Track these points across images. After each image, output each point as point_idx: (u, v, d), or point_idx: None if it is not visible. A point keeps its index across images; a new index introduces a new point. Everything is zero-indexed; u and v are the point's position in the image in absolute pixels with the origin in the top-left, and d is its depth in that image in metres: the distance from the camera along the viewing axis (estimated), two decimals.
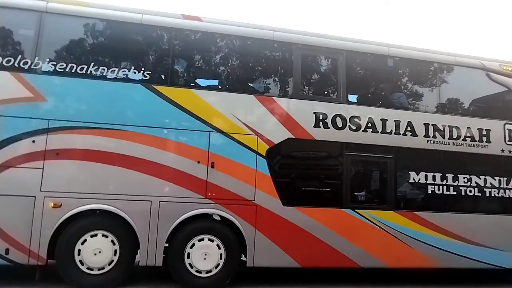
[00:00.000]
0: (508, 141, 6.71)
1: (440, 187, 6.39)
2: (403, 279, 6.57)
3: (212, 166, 5.58)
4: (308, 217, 5.77)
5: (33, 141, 5.15)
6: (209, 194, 5.52)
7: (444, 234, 6.24)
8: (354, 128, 6.16)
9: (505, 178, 6.66)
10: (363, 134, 6.18)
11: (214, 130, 5.68)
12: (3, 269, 5.14)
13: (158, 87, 5.60)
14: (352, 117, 6.17)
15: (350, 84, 6.46)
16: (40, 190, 5.08)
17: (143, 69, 5.68)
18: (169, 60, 5.89)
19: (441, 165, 6.46)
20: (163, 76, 5.84)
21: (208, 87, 6.08)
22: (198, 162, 5.56)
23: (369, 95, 6.89)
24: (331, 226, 5.84)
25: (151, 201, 5.33)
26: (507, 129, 6.74)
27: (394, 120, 6.32)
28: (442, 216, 6.31)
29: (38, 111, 5.24)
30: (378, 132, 6.24)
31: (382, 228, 6.02)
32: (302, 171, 6.12)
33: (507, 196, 6.64)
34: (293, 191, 5.90)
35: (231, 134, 5.73)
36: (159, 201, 5.35)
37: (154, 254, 5.26)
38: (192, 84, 6.00)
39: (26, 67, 5.32)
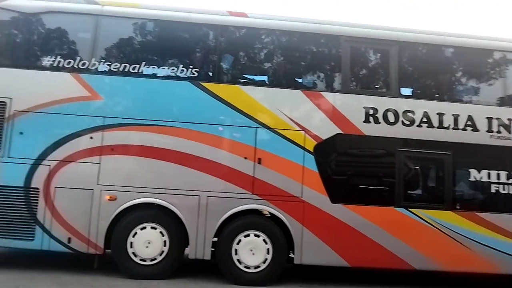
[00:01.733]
0: None
1: (506, 186, 5.88)
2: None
3: (259, 162, 5.58)
4: (357, 215, 5.57)
5: (91, 138, 5.46)
6: (256, 190, 5.52)
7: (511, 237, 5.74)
8: (408, 123, 5.83)
9: None
10: (418, 130, 5.84)
11: (261, 126, 5.67)
12: (65, 256, 5.49)
13: (206, 84, 5.69)
14: (405, 111, 5.85)
15: (403, 77, 6.16)
16: (97, 184, 5.38)
17: (191, 66, 5.80)
18: (216, 57, 5.97)
19: (506, 162, 5.95)
20: (210, 73, 5.93)
21: (255, 83, 6.06)
22: (245, 158, 5.58)
23: (424, 88, 6.49)
24: (382, 225, 5.59)
25: (199, 196, 5.44)
26: None
27: (453, 114, 5.91)
28: (509, 217, 5.80)
29: (95, 109, 5.56)
30: (434, 127, 5.86)
31: (439, 229, 5.65)
32: (352, 167, 5.92)
33: None
34: (342, 188, 5.72)
35: (278, 130, 5.69)
36: (207, 196, 5.45)
37: (203, 248, 5.37)
38: (238, 80, 6.03)
39: (84, 67, 5.65)
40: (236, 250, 5.41)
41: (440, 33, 6.31)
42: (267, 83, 6.14)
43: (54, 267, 5.47)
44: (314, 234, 5.49)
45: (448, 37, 6.26)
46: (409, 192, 5.85)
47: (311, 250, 5.47)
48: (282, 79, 6.16)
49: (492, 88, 6.33)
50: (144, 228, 5.38)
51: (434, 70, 6.45)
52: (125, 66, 5.70)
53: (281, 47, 6.21)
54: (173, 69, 5.83)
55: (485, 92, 6.33)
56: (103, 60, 5.75)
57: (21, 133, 5.43)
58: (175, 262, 5.44)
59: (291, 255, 5.52)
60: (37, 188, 5.34)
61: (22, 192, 5.34)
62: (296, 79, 6.27)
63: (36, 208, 5.32)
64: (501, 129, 5.93)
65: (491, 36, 6.47)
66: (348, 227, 5.54)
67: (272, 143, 5.67)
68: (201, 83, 5.71)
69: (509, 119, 5.95)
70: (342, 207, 5.58)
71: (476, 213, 5.76)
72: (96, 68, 5.68)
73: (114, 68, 5.71)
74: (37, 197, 5.33)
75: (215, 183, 5.51)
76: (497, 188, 5.85)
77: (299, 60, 6.31)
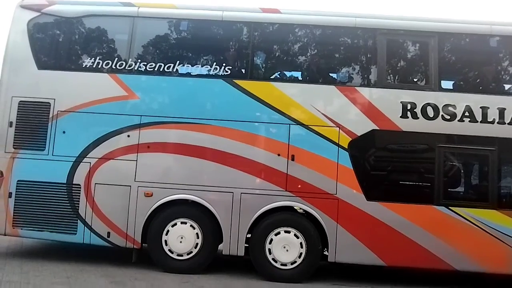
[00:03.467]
0: None
1: None
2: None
3: (292, 159, 5.54)
4: (394, 214, 5.40)
5: (128, 136, 5.64)
6: (290, 186, 5.49)
7: None
8: (448, 117, 5.57)
9: None
10: (459, 124, 5.56)
11: (294, 123, 5.63)
12: (105, 250, 5.72)
13: (239, 81, 5.72)
14: (446, 105, 5.59)
15: (444, 69, 5.89)
16: (135, 180, 5.55)
17: (224, 64, 5.84)
18: (249, 54, 5.98)
19: None
20: (243, 70, 5.95)
21: (288, 79, 6.02)
22: (279, 155, 5.56)
23: (466, 81, 6.18)
24: (420, 224, 5.38)
25: (233, 192, 5.48)
26: None
27: (497, 108, 5.58)
28: None
29: (132, 108, 5.73)
30: (477, 121, 5.56)
31: (482, 228, 5.37)
32: (388, 164, 5.75)
33: None
34: (378, 185, 5.60)
35: (311, 126, 5.62)
36: (241, 193, 5.48)
37: (236, 244, 5.41)
38: (271, 77, 6.01)
39: (121, 68, 5.83)
40: (270, 245, 5.40)
41: (487, 22, 5.96)
42: (301, 79, 6.09)
43: (101, 260, 5.69)
44: (349, 232, 5.39)
45: (495, 26, 5.90)
46: (449, 189, 5.62)
47: (345, 248, 5.38)
48: (316, 74, 6.07)
49: None
50: (179, 223, 5.48)
51: (476, 61, 6.14)
52: (160, 65, 5.82)
53: (314, 42, 6.13)
54: (207, 67, 5.90)
55: None
56: (139, 60, 5.91)
57: (64, 132, 5.68)
58: (209, 257, 5.52)
59: (326, 253, 5.46)
60: (78, 185, 5.59)
61: (65, 188, 5.60)
62: (330, 74, 6.18)
63: (78, 204, 5.57)
64: None
65: None
66: (384, 225, 5.39)
67: (306, 140, 5.61)
68: (234, 80, 5.73)
69: None
70: (378, 205, 5.43)
71: None
72: (133, 68, 5.84)
73: (149, 68, 5.84)
74: (79, 193, 5.58)
75: (249, 180, 5.53)
76: None
77: (333, 55, 6.22)
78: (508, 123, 5.54)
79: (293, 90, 5.79)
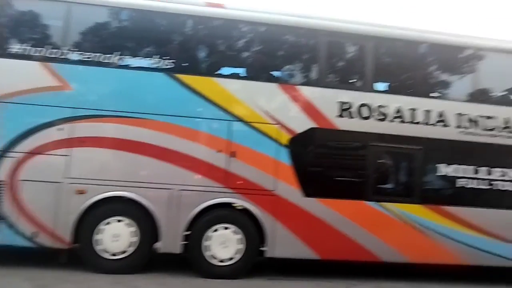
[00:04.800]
0: None
1: (473, 180, 6.07)
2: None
3: (233, 156, 5.57)
4: (329, 209, 5.65)
5: (60, 129, 5.32)
6: (230, 183, 5.52)
7: (475, 230, 5.93)
8: (381, 118, 5.93)
9: None
10: (391, 124, 5.93)
11: (235, 119, 5.65)
12: (31, 252, 5.37)
13: (180, 76, 5.61)
14: (379, 106, 5.93)
15: (378, 72, 6.20)
16: (66, 177, 5.26)
17: (166, 57, 5.69)
18: (192, 48, 5.90)
19: (474, 157, 6.12)
20: (185, 65, 5.84)
21: (231, 76, 6.01)
22: (219, 151, 5.56)
23: (398, 84, 6.56)
24: (353, 219, 5.69)
25: (171, 189, 5.39)
26: None
27: (425, 110, 6.02)
28: (474, 211, 5.98)
29: (65, 100, 5.39)
30: (406, 122, 5.97)
31: (408, 222, 5.80)
32: (325, 162, 5.94)
33: None
34: (314, 182, 5.76)
35: (252, 123, 5.67)
36: (179, 190, 5.41)
37: (174, 241, 5.34)
38: (214, 73, 5.96)
39: (54, 56, 5.46)
40: (208, 242, 5.40)
41: (415, 30, 6.36)
42: (243, 75, 6.08)
43: (25, 263, 5.33)
44: (286, 228, 5.54)
45: (422, 34, 6.33)
46: (380, 186, 5.96)
47: (283, 243, 5.52)
48: (258, 72, 6.12)
49: (462, 84, 6.48)
50: (114, 222, 5.28)
51: (407, 65, 6.54)
52: (98, 55, 5.54)
53: (258, 39, 6.14)
54: (147, 60, 5.70)
55: (456, 89, 6.47)
56: (75, 49, 5.58)
57: None
58: (145, 256, 5.38)
59: (263, 248, 5.55)
60: (2, 181, 5.20)
61: None
62: (272, 72, 6.26)
63: (1, 202, 5.18)
64: (470, 124, 6.08)
65: (463, 33, 6.56)
66: (319, 220, 5.61)
67: (247, 136, 5.65)
68: (176, 74, 5.62)
69: (477, 115, 6.10)
70: (314, 201, 5.64)
71: (443, 206, 5.93)
72: (67, 57, 5.50)
73: (86, 58, 5.54)
74: (2, 189, 5.18)
75: (188, 176, 5.47)
76: (464, 183, 6.04)
77: (276, 53, 6.27)
78: (433, 124, 6.00)
79: (236, 87, 5.79)
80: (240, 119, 5.65)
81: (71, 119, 5.35)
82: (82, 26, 5.72)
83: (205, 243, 5.41)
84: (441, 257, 5.94)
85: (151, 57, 5.72)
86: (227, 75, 5.98)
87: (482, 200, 6.07)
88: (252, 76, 6.01)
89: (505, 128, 6.14)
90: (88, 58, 5.52)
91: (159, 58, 5.66)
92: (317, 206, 5.63)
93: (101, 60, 5.53)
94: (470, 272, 6.32)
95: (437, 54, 6.49)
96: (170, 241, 5.35)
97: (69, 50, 5.52)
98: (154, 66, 5.65)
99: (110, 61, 5.55)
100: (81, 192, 5.23)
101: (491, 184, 6.11)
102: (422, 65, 6.54)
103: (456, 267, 6.10)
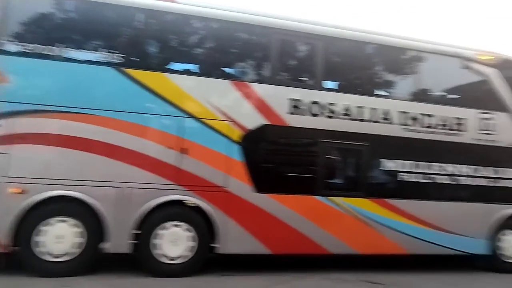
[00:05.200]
0: (482, 129, 6.76)
1: (413, 175, 6.45)
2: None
3: (184, 152, 5.50)
4: (280, 204, 5.76)
5: None
6: (181, 180, 5.45)
7: (415, 221, 6.32)
8: (330, 115, 6.12)
9: (476, 167, 6.75)
10: (339, 122, 6.15)
11: (187, 116, 5.58)
12: None
13: (130, 71, 5.44)
14: (329, 104, 6.12)
15: (328, 71, 6.39)
16: (3, 175, 4.93)
17: (114, 51, 5.49)
18: (143, 42, 5.75)
19: (415, 153, 6.49)
20: (135, 59, 5.67)
21: (182, 72, 5.90)
22: (170, 148, 5.47)
23: (347, 82, 6.81)
24: (303, 213, 5.84)
25: (119, 187, 5.23)
26: (482, 118, 6.79)
27: (371, 108, 6.30)
28: (414, 203, 6.37)
29: (3, 94, 5.05)
30: (354, 119, 6.21)
31: (354, 215, 6.06)
32: (276, 158, 6.04)
33: (477, 184, 6.75)
34: (266, 178, 5.83)
35: (204, 120, 5.64)
36: (128, 187, 5.25)
37: (122, 241, 5.18)
38: (165, 68, 5.84)
39: None
40: (158, 240, 5.30)
41: (364, 31, 6.63)
42: (195, 71, 6.02)
43: None
44: (238, 224, 5.58)
45: (371, 35, 6.60)
46: (329, 181, 6.17)
47: (234, 239, 5.55)
48: (211, 68, 6.08)
49: (406, 84, 6.86)
50: (57, 222, 5.01)
51: (355, 65, 6.79)
52: (41, 47, 5.23)
53: (211, 35, 6.10)
54: (95, 53, 5.48)
55: (399, 88, 6.85)
56: (14, 40, 5.23)
57: None
58: (92, 257, 5.17)
59: (215, 245, 5.54)
60: None
61: None
62: (224, 68, 6.25)
63: None
64: (412, 122, 6.45)
65: (409, 36, 6.91)
66: (271, 216, 5.70)
67: (198, 133, 5.61)
68: (125, 69, 5.44)
69: (418, 113, 6.48)
70: (266, 197, 5.72)
71: (387, 199, 6.25)
72: (4, 49, 5.15)
73: (27, 49, 5.21)
74: None
75: (138, 174, 5.32)
76: (406, 177, 6.40)
77: (229, 50, 6.26)
78: (379, 122, 6.29)
79: (187, 83, 5.72)
80: (191, 116, 5.60)
81: (9, 114, 5.02)
82: (22, 16, 5.37)
83: (155, 241, 5.31)
84: (386, 248, 6.26)
85: (99, 50, 5.51)
86: (179, 71, 5.89)
87: (422, 193, 6.48)
88: (204, 72, 5.97)
89: (442, 125, 6.57)
90: (29, 49, 5.20)
91: (108, 52, 5.46)
92: (268, 202, 5.72)
93: (43, 52, 5.23)
94: (413, 260, 6.74)
95: (383, 54, 6.81)
96: (119, 241, 5.18)
97: (7, 40, 5.17)
98: (102, 60, 5.44)
99: (54, 53, 5.27)
100: (20, 192, 4.93)
101: (430, 178, 6.54)
102: (369, 65, 6.83)
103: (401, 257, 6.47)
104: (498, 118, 6.86)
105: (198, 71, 6.01)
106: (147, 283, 5.06)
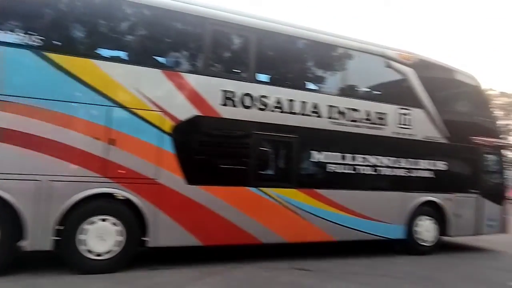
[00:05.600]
0: (401, 124, 7.33)
1: (339, 166, 6.81)
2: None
3: (112, 143, 5.26)
4: (212, 196, 5.76)
5: None
6: (108, 172, 5.22)
7: (341, 210, 6.70)
8: (262, 107, 6.22)
9: (396, 158, 7.31)
10: (271, 114, 6.28)
11: (115, 105, 5.33)
12: None
13: (52, 55, 5.06)
14: (261, 96, 6.22)
15: (260, 63, 6.48)
16: None
17: (33, 32, 5.05)
18: (67, 25, 5.37)
19: (341, 145, 6.86)
20: (58, 43, 5.28)
21: (111, 59, 5.60)
22: (96, 138, 5.20)
23: (279, 76, 6.97)
24: (235, 204, 5.91)
25: (39, 180, 4.87)
26: (401, 113, 7.35)
27: (301, 101, 6.51)
28: (340, 193, 6.75)
29: None
30: (285, 112, 6.38)
31: (284, 205, 6.26)
32: (208, 149, 6.01)
33: (396, 174, 7.32)
34: (198, 170, 5.80)
35: (134, 110, 5.43)
36: (49, 181, 4.91)
37: (44, 238, 4.84)
38: (92, 54, 5.52)
39: None
40: (83, 235, 5.04)
41: (296, 26, 6.81)
42: (126, 59, 5.75)
43: None
44: (169, 216, 5.49)
45: (302, 30, 6.80)
46: (260, 172, 6.29)
47: (165, 232, 5.46)
48: (142, 56, 5.87)
49: (334, 79, 7.20)
50: None
51: (287, 59, 6.98)
52: None
53: (142, 22, 5.86)
54: (11, 34, 5.00)
55: (328, 83, 7.17)
56: None
57: None
58: (7, 257, 4.77)
59: (145, 238, 5.40)
60: None
61: None
62: (156, 57, 6.07)
63: None
64: (339, 116, 6.79)
65: (339, 34, 7.23)
66: (203, 207, 5.69)
67: (127, 123, 5.39)
68: (45, 53, 5.04)
69: (345, 107, 6.84)
70: (197, 189, 5.69)
71: (315, 190, 6.54)
72: None
73: None
74: None
75: (60, 166, 4.99)
76: (333, 168, 6.74)
77: (161, 38, 6.08)
78: (308, 115, 6.53)
79: (116, 71, 5.45)
80: (120, 105, 5.36)
81: None
82: None
83: (80, 237, 5.04)
84: (314, 236, 6.57)
85: (15, 31, 5.04)
86: (108, 57, 5.60)
87: (348, 183, 6.87)
88: (135, 60, 5.73)
89: (366, 119, 7.01)
90: None
91: (25, 33, 5.02)
92: (200, 194, 5.70)
93: None
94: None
95: (313, 50, 7.07)
96: (39, 238, 4.83)
97: None
98: (19, 41, 4.98)
99: None
100: None
101: (355, 169, 6.95)
102: (300, 60, 7.05)
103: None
104: (415, 114, 7.49)
105: (129, 59, 5.76)
106: (72, 281, 4.79)
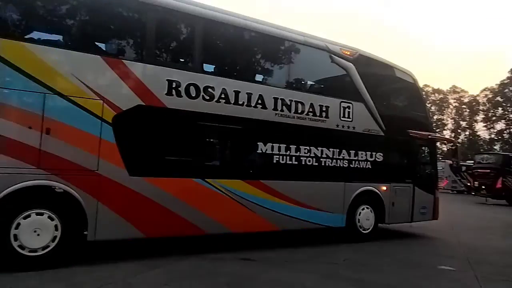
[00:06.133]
0: (342, 117, 7.63)
1: (284, 157, 6.94)
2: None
3: (47, 133, 4.97)
4: (156, 187, 5.64)
5: None
6: (43, 164, 4.92)
7: (285, 200, 6.85)
8: (208, 98, 6.17)
9: (338, 150, 7.60)
10: (217, 105, 6.25)
11: (51, 92, 5.03)
12: None
13: None
14: (206, 87, 6.16)
15: (207, 54, 6.43)
16: None
17: None
18: None
19: (286, 137, 6.99)
20: None
21: (47, 43, 5.25)
22: (30, 127, 4.88)
23: (225, 66, 6.96)
24: (179, 196, 5.83)
25: None
26: (342, 106, 7.65)
27: (247, 93, 6.54)
28: (285, 184, 6.90)
29: None
30: (230, 103, 6.38)
31: (230, 196, 6.27)
32: (152, 140, 5.82)
33: (337, 165, 7.61)
34: (141, 161, 5.65)
35: (72, 98, 5.16)
36: None
37: None
38: (25, 37, 5.15)
39: None
40: (16, 231, 4.72)
41: (243, 17, 6.80)
42: (62, 44, 5.44)
43: None
44: (110, 209, 5.30)
45: (249, 22, 6.81)
46: (206, 163, 6.27)
47: (106, 225, 5.27)
48: (81, 41, 5.59)
49: (280, 72, 7.32)
50: None
51: (234, 50, 6.98)
52: None
53: (82, 5, 5.58)
54: None
55: (274, 76, 7.28)
56: None
57: None
58: None
59: (85, 232, 5.18)
60: None
61: None
62: (97, 43, 5.80)
63: None
64: (284, 108, 6.92)
65: (285, 27, 7.32)
66: (146, 199, 5.56)
67: (65, 112, 5.11)
68: None
69: (290, 100, 6.98)
70: (141, 180, 5.55)
71: (260, 180, 6.64)
72: None
73: None
74: None
75: None
76: (277, 159, 6.87)
77: (102, 24, 5.83)
78: (254, 106, 6.59)
79: (52, 56, 5.14)
80: (57, 93, 5.07)
81: None
82: None
83: (12, 232, 4.71)
84: (260, 226, 6.67)
85: None
86: (43, 41, 5.23)
87: (292, 174, 7.03)
88: (74, 46, 5.45)
89: (310, 112, 7.21)
90: None
91: None
92: (143, 185, 5.56)
93: None
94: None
95: (260, 42, 7.12)
96: None
97: None
98: None
99: None
100: None
101: (299, 160, 7.14)
102: (246, 51, 7.08)
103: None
104: (355, 107, 7.83)
105: (68, 44, 5.47)
106: (3, 279, 4.47)
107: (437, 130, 50.83)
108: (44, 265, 4.86)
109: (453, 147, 11.03)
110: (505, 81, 45.05)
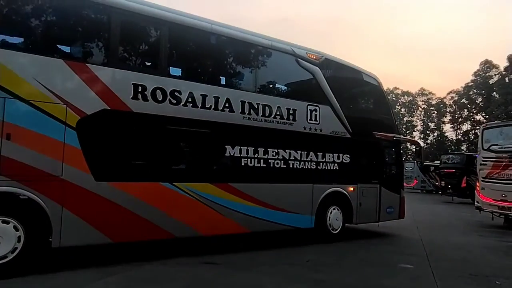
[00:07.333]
0: (309, 120, 7.80)
1: (252, 160, 7.03)
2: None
3: (8, 138, 4.85)
4: (123, 192, 5.60)
5: None
6: (4, 170, 4.79)
7: (254, 202, 6.93)
8: (175, 102, 6.18)
9: (305, 152, 7.76)
10: (183, 109, 6.26)
11: (11, 97, 4.91)
12: None
13: None
14: (173, 90, 6.17)
15: (173, 57, 6.44)
16: None
17: None
18: None
19: (254, 140, 7.07)
20: None
21: (7, 46, 5.14)
22: None
23: (192, 70, 6.99)
24: (147, 200, 5.81)
25: None
26: (309, 109, 7.82)
27: (214, 96, 6.59)
28: (253, 186, 6.98)
29: None
30: (198, 107, 6.40)
31: (198, 199, 6.29)
32: (118, 144, 5.76)
33: (305, 167, 7.76)
34: (107, 165, 5.60)
35: (33, 102, 5.06)
36: None
37: None
38: None
39: None
40: None
41: (209, 21, 6.85)
42: (23, 47, 5.34)
43: None
44: (75, 214, 5.22)
45: (215, 26, 6.87)
46: (173, 167, 6.26)
47: (71, 231, 5.18)
48: (42, 44, 5.49)
49: (247, 76, 7.41)
50: None
51: (200, 54, 7.03)
52: None
53: (43, 8, 5.47)
54: None
55: (241, 79, 7.36)
56: None
57: None
58: None
59: (50, 239, 5.07)
60: None
61: None
62: (59, 46, 5.72)
63: None
64: (252, 111, 7.01)
65: (252, 31, 7.43)
66: (112, 204, 5.50)
67: (26, 117, 5.00)
68: None
69: (257, 103, 7.08)
70: (107, 185, 5.49)
71: (229, 183, 6.69)
72: None
73: None
74: None
75: None
76: (246, 162, 6.94)
77: (65, 26, 5.73)
78: (221, 110, 6.65)
79: (12, 59, 5.03)
80: (17, 97, 4.96)
81: None
82: None
83: None
84: (229, 229, 6.72)
85: None
86: (2, 44, 5.12)
87: (260, 177, 7.12)
88: (35, 49, 5.34)
89: (277, 115, 7.33)
90: None
91: None
92: (110, 190, 5.51)
93: None
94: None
95: (226, 46, 7.20)
96: None
97: None
98: None
99: None
100: None
101: (267, 163, 7.23)
102: (213, 55, 7.13)
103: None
104: (322, 110, 8.01)
105: (28, 47, 5.36)
106: None
107: (407, 132, 52.45)
108: (2, 275, 4.68)
109: (417, 148, 11.43)
110: (470, 84, 46.90)
